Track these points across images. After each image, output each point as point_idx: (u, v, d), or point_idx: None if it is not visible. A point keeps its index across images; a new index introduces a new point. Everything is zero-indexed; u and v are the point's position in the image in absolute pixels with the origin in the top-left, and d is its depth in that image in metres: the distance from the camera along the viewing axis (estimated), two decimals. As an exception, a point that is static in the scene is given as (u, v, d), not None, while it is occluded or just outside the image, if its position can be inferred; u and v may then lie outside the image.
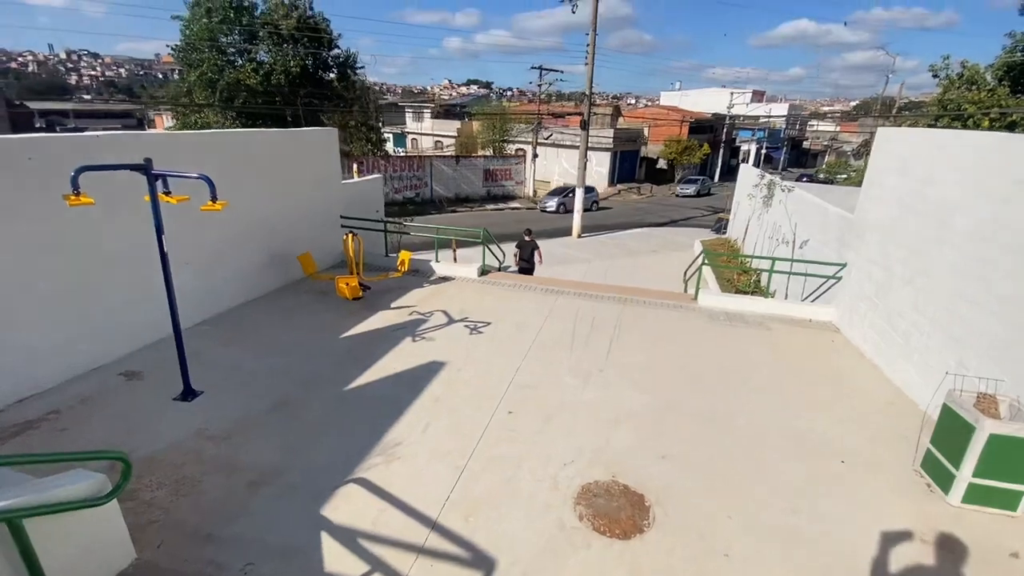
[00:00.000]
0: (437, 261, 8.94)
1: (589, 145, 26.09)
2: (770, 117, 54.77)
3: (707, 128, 47.13)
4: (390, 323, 6.66)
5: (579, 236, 19.47)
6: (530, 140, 31.37)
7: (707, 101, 52.12)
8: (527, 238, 10.97)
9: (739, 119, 53.44)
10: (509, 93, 34.12)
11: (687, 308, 7.69)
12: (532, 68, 27.29)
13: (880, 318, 6.11)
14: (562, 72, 26.09)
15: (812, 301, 8.24)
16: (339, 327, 6.44)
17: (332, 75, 22.25)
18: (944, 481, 3.82)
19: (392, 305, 7.32)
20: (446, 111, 47.64)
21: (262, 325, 6.47)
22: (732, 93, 48.27)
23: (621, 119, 43.67)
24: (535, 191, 32.09)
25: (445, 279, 8.61)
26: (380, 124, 35.72)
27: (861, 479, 4.02)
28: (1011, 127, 18.34)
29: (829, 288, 7.78)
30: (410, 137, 46.22)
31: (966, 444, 3.63)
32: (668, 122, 41.83)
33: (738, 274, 12.35)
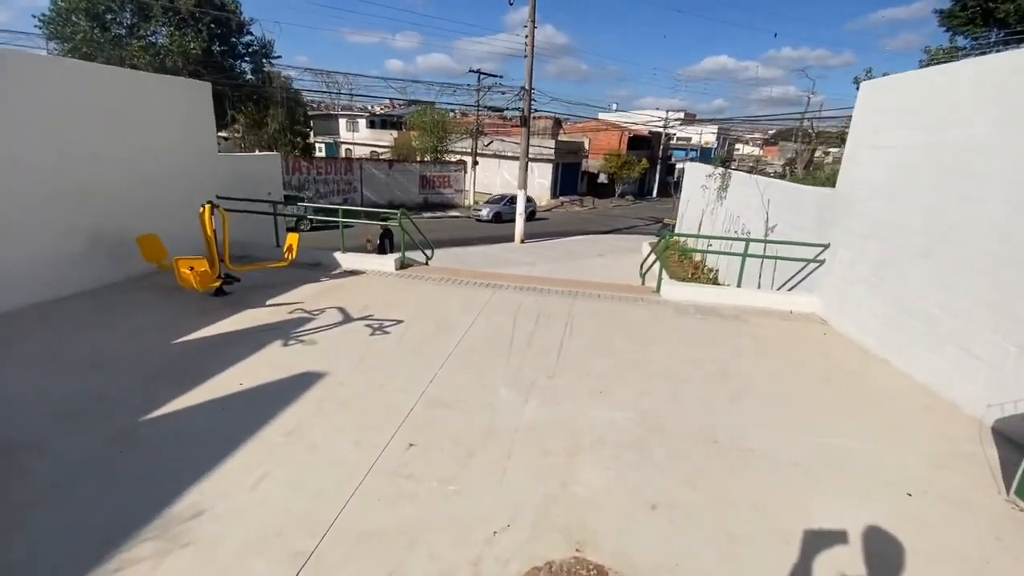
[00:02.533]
0: (343, 252, 7.09)
1: (531, 156, 25.03)
2: (710, 122, 56.87)
3: (644, 145, 48.00)
4: (257, 324, 4.76)
5: (522, 241, 18.11)
6: (469, 150, 30.05)
7: (643, 121, 53.41)
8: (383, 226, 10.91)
9: (673, 138, 55.18)
10: (452, 113, 32.87)
11: (650, 301, 6.31)
12: (470, 71, 26.12)
13: (885, 303, 4.95)
14: (500, 77, 25.05)
15: (789, 290, 7.12)
16: (175, 330, 4.47)
17: (245, 65, 19.88)
18: (1077, 523, 2.49)
19: (269, 302, 5.40)
20: (383, 121, 45.52)
21: (55, 329, 4.38)
22: (667, 112, 49.57)
23: (562, 132, 43.45)
24: (476, 201, 30.67)
25: (352, 273, 6.77)
26: (309, 129, 33.26)
27: (945, 520, 2.63)
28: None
29: (808, 274, 6.68)
30: (344, 147, 43.71)
31: (1118, 464, 2.32)
32: (608, 135, 42.05)
33: (693, 271, 11.31)
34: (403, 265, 7.10)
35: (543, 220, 26.85)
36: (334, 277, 6.54)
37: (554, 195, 36.39)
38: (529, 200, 25.90)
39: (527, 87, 16.19)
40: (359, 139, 43.92)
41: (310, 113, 38.87)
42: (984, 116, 4.01)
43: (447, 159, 30.99)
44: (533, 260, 14.55)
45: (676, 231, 16.32)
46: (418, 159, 29.43)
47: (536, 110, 17.46)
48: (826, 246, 6.17)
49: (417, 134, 31.27)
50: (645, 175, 46.14)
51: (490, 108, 23.52)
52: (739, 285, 6.61)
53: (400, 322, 4.99)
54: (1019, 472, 2.79)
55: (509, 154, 33.40)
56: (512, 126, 37.20)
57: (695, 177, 13.62)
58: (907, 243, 4.74)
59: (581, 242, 19.23)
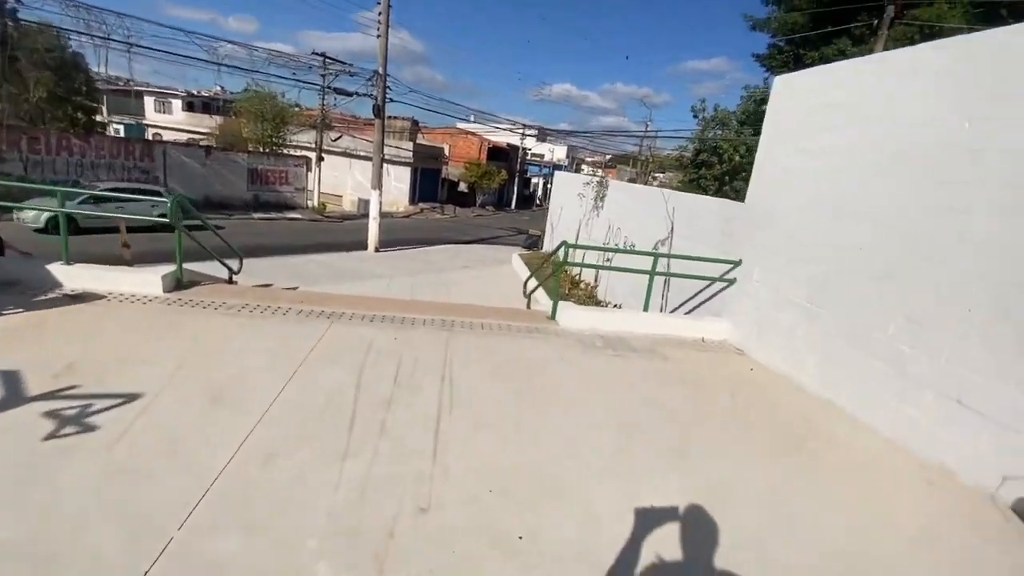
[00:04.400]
0: (67, 262, 4.30)
1: (388, 158, 22.59)
2: (571, 135, 59.72)
3: (503, 157, 48.39)
4: None
5: (377, 250, 15.68)
6: (313, 145, 26.28)
7: (500, 136, 54.05)
8: None
9: (528, 153, 57.12)
10: (296, 107, 27.94)
11: (547, 332, 4.81)
12: (314, 54, 22.70)
13: (829, 335, 4.09)
14: (350, 65, 22.05)
15: (687, 313, 6.26)
16: None
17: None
18: None
19: None
20: (205, 104, 38.32)
21: None
22: (523, 126, 50.63)
23: (421, 136, 41.38)
24: (323, 204, 26.93)
25: (77, 298, 4.05)
26: (96, 104, 26.20)
27: None
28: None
29: (712, 296, 5.84)
30: (152, 131, 35.73)
31: None
32: (467, 143, 41.25)
33: (570, 286, 10.31)
34: (180, 284, 4.56)
35: (400, 224, 24.42)
36: (38, 306, 3.78)
37: (413, 201, 34.10)
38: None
39: (381, 71, 13.96)
40: (173, 123, 36.47)
41: (107, 88, 30.85)
42: (961, 108, 3.26)
43: (287, 152, 26.76)
44: (390, 272, 12.36)
45: (547, 241, 15.49)
46: (249, 150, 24.79)
47: (391, 99, 15.32)
48: (737, 263, 5.33)
49: (247, 121, 26.48)
50: (504, 187, 46.46)
51: (337, 91, 20.49)
52: (646, 308, 5.48)
53: (134, 398, 2.66)
54: None
55: (361, 153, 30.27)
56: (364, 123, 34.05)
57: (568, 185, 12.86)
58: (857, 263, 3.91)
59: (445, 252, 17.48)
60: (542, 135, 65.94)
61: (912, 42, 3.97)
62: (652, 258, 5.49)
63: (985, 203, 3.07)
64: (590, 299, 9.50)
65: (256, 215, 21.23)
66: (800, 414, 3.75)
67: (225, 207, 20.95)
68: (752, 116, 23.12)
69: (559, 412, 3.21)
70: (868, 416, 3.67)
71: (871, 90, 3.93)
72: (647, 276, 5.56)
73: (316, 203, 26.16)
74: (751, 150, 21.76)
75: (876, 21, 15.10)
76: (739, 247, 5.35)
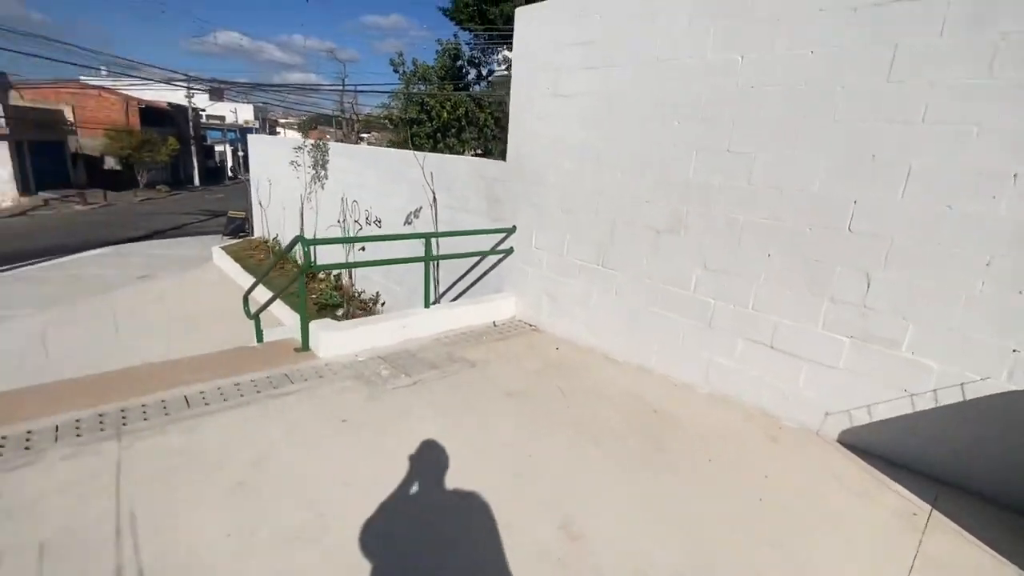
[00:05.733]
0: None
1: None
2: (257, 88, 50.75)
3: (167, 121, 38.08)
4: None
5: (-40, 278, 9.80)
6: None
7: (154, 92, 41.80)
8: None
9: (203, 114, 46.79)
10: None
11: (305, 376, 3.23)
12: None
13: (629, 297, 3.79)
14: None
15: (457, 297, 5.45)
16: None
17: None
18: None
19: None
20: None
21: None
22: (188, 78, 40.46)
23: (17, 95, 28.44)
24: None
25: None
26: None
27: None
28: (463, 117, 22.06)
29: (489, 269, 5.14)
30: None
31: None
32: (104, 104, 30.62)
33: (308, 282, 8.31)
34: None
35: (8, 228, 16.26)
36: None
37: (26, 189, 23.61)
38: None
39: None
40: None
41: None
42: (728, 41, 3.06)
43: None
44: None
45: (258, 223, 12.46)
46: None
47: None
48: (511, 230, 4.68)
49: None
50: (178, 159, 36.97)
51: None
52: (428, 304, 4.35)
53: None
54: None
55: None
56: None
57: (272, 152, 10.25)
58: (642, 217, 3.62)
59: (101, 259, 12.36)
60: (217, 92, 54.61)
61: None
62: (423, 240, 4.31)
63: (767, 142, 2.97)
64: (341, 293, 7.80)
65: None
66: (624, 391, 3.35)
67: None
68: (450, 71, 23.50)
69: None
70: (685, 375, 3.51)
71: (625, 24, 3.53)
72: (414, 262, 4.42)
73: None
74: (457, 106, 22.15)
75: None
76: (511, 212, 4.68)
